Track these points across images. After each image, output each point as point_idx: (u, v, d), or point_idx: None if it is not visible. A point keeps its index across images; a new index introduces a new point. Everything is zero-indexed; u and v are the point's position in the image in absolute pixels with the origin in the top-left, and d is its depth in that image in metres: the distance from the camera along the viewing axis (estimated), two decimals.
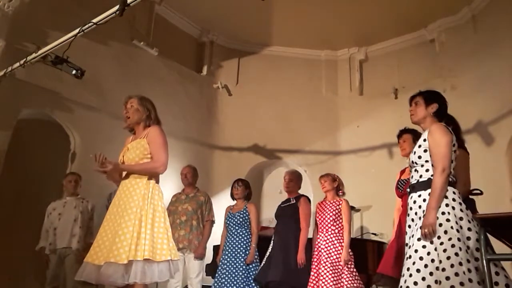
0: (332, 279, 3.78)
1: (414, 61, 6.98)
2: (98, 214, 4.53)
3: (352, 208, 6.25)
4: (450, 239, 2.17)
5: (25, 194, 5.04)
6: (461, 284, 2.07)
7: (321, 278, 3.84)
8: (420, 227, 2.25)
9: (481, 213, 2.70)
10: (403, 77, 6.96)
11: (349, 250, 3.96)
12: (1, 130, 4.60)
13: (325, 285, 3.78)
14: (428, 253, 2.18)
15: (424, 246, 2.20)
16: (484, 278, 2.07)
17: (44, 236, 4.46)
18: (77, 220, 4.47)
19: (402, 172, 3.65)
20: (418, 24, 6.86)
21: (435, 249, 2.17)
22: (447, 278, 2.10)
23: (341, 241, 3.97)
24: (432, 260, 2.15)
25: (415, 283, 2.14)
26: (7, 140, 4.64)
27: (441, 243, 2.17)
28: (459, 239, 2.16)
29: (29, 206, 4.89)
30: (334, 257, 3.89)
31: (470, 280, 2.08)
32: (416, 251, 2.22)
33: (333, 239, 3.98)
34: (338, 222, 4.04)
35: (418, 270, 2.16)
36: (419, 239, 2.24)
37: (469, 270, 2.10)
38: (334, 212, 4.06)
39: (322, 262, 3.91)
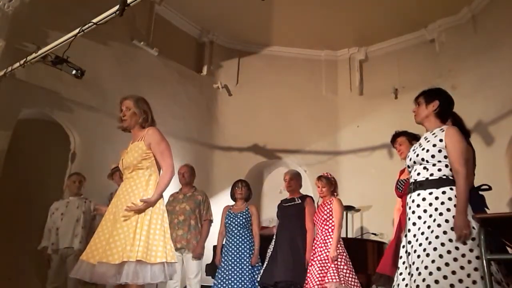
0: (318, 276, 3.79)
1: (414, 61, 6.98)
2: (99, 214, 4.54)
3: (352, 208, 6.27)
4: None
5: (25, 194, 5.04)
6: (481, 278, 2.10)
7: (309, 275, 3.87)
8: (438, 225, 2.25)
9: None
10: (403, 77, 6.96)
11: (339, 248, 3.91)
12: (1, 130, 4.60)
13: (311, 281, 3.81)
14: (449, 252, 2.17)
15: (443, 244, 2.20)
16: (484, 278, 2.07)
17: (47, 236, 4.45)
18: (79, 220, 4.46)
19: (402, 172, 3.65)
20: (418, 24, 6.86)
21: (456, 248, 2.17)
22: (468, 275, 2.12)
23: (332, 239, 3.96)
24: (455, 259, 2.15)
25: (436, 282, 2.12)
26: (7, 140, 4.64)
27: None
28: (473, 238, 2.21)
29: (29, 206, 4.89)
30: (324, 255, 3.89)
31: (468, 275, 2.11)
32: (435, 249, 2.20)
33: (325, 238, 3.98)
34: (330, 221, 4.03)
35: (438, 268, 2.15)
36: (437, 237, 2.23)
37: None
38: (326, 212, 4.06)
39: (313, 260, 3.93)
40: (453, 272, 2.12)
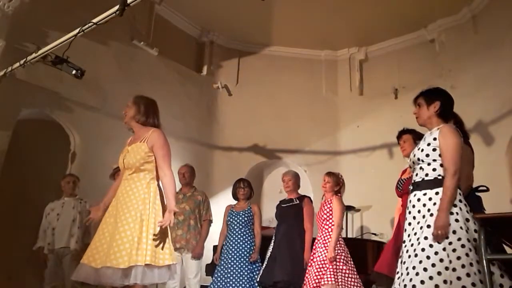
0: (315, 277, 3.74)
1: (414, 61, 6.98)
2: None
3: (352, 208, 6.27)
4: (459, 239, 2.16)
5: (24, 194, 5.05)
6: (473, 284, 2.07)
7: (307, 276, 3.83)
8: (428, 226, 2.24)
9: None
10: (403, 77, 6.96)
11: (338, 248, 3.82)
12: (1, 130, 4.60)
13: (308, 282, 3.76)
14: (436, 253, 2.16)
15: (431, 246, 2.19)
16: (484, 278, 2.06)
17: (42, 236, 4.48)
18: (75, 220, 4.48)
19: (403, 171, 3.64)
20: (418, 24, 6.86)
21: (444, 249, 2.16)
22: (458, 278, 2.09)
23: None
24: (441, 260, 2.14)
25: (422, 282, 2.12)
26: (7, 140, 4.65)
27: (450, 243, 2.16)
28: (468, 240, 2.16)
29: (29, 206, 4.89)
30: (323, 255, 3.81)
31: (481, 281, 2.07)
32: (423, 249, 2.20)
33: (324, 238, 3.92)
34: (329, 221, 3.96)
35: (425, 269, 2.15)
36: (426, 238, 2.22)
37: (479, 271, 2.09)
38: (327, 211, 4.01)
39: (312, 260, 3.89)
40: (439, 273, 2.12)
